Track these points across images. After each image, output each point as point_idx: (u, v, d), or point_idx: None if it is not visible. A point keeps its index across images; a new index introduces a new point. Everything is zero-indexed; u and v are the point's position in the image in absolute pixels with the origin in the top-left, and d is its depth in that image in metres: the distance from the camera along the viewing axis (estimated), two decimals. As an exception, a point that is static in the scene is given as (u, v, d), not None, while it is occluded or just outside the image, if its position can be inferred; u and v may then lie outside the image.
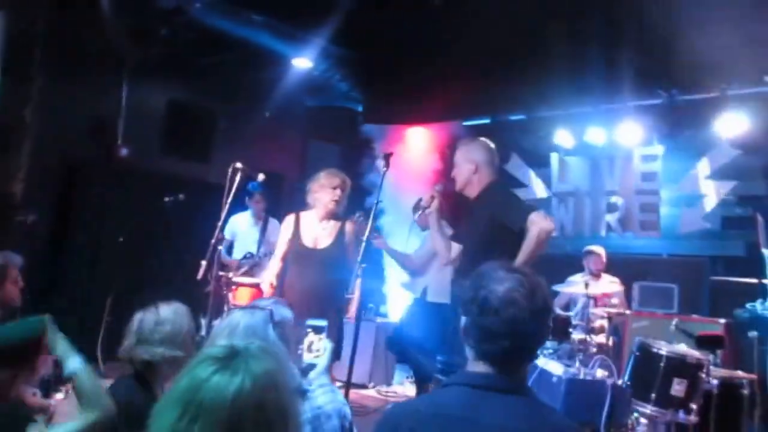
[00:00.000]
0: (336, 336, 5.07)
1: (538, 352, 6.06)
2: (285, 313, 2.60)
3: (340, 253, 5.26)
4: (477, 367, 1.99)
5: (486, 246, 4.27)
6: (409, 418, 1.95)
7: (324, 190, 5.33)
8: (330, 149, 10.40)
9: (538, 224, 4.21)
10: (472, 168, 4.62)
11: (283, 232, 5.52)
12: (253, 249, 7.06)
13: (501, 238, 4.30)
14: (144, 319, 3.02)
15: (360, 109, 10.33)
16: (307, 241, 5.34)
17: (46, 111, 7.42)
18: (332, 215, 5.37)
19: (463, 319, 2.04)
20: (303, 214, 5.44)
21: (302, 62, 8.92)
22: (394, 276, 8.82)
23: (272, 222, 7.41)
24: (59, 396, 3.62)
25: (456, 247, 4.81)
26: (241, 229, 7.50)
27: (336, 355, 5.13)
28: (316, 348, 2.72)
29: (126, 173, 8.16)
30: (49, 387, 4.85)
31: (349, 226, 5.38)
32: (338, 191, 5.32)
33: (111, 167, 8.20)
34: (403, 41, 8.38)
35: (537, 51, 7.69)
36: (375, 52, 8.89)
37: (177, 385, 1.51)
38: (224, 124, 9.20)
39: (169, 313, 3.04)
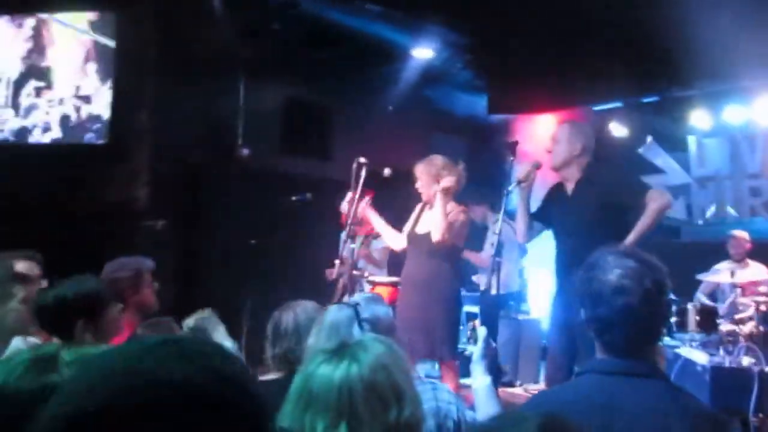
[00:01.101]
0: (446, 330, 5.30)
1: (680, 342, 6.40)
2: (378, 310, 2.67)
3: (438, 241, 5.37)
4: (605, 354, 2.13)
5: (595, 227, 4.57)
6: (548, 405, 2.10)
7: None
8: (455, 141, 10.48)
9: (657, 200, 4.58)
10: (576, 150, 4.92)
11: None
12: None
13: (610, 218, 4.61)
14: (300, 314, 3.16)
15: (484, 98, 10.59)
16: (418, 226, 5.64)
17: (163, 116, 7.80)
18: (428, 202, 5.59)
19: (582, 312, 2.19)
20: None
21: (422, 52, 9.15)
22: (534, 272, 9.19)
23: None
24: None
25: (537, 226, 5.15)
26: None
27: (452, 355, 5.32)
28: (476, 335, 2.83)
29: (248, 174, 8.48)
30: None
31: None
32: (418, 180, 5.57)
33: (233, 169, 8.57)
34: (528, 25, 8.48)
35: (668, 27, 7.68)
36: (498, 38, 9.03)
37: (294, 382, 1.71)
38: (344, 120, 9.51)
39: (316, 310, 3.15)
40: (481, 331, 2.81)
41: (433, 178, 5.48)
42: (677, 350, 5.81)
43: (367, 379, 1.65)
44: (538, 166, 5.06)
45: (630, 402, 1.99)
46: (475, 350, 2.79)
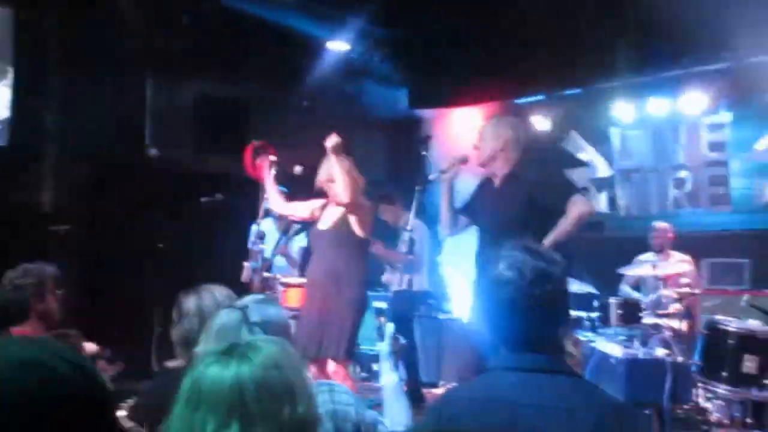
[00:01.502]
0: (343, 329, 5.30)
1: (603, 336, 6.50)
2: (269, 312, 2.60)
3: (340, 234, 5.46)
4: (506, 349, 2.16)
5: (517, 226, 4.62)
6: (450, 405, 2.16)
7: None
8: (374, 136, 10.53)
9: (579, 206, 4.68)
10: (499, 145, 4.97)
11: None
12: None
13: (534, 217, 4.67)
14: (205, 297, 3.11)
15: (404, 92, 10.63)
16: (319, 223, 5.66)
17: (69, 115, 7.69)
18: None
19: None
20: None
21: (339, 45, 9.15)
22: (455, 271, 9.20)
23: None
24: None
25: (463, 220, 5.19)
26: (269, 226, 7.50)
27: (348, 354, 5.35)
28: (384, 331, 2.86)
29: (157, 175, 8.38)
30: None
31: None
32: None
33: (141, 170, 8.45)
34: (448, 17, 8.57)
35: (591, 18, 7.94)
36: (417, 30, 9.11)
37: (181, 388, 1.68)
38: (260, 116, 9.39)
39: (224, 297, 3.11)
40: (388, 328, 2.84)
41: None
42: (593, 344, 5.90)
43: (258, 377, 1.64)
44: (464, 161, 5.11)
45: (534, 398, 2.01)
46: (382, 347, 2.83)
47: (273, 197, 5.85)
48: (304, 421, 1.68)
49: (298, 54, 9.25)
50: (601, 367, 5.57)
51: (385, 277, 7.95)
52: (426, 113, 10.63)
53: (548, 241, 4.52)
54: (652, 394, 5.22)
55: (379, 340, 2.88)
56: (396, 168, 10.33)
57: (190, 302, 3.12)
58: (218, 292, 3.17)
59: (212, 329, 2.51)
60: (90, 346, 5.21)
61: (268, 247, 6.17)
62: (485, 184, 5.18)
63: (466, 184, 5.33)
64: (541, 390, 2.03)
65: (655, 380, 5.15)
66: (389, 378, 2.81)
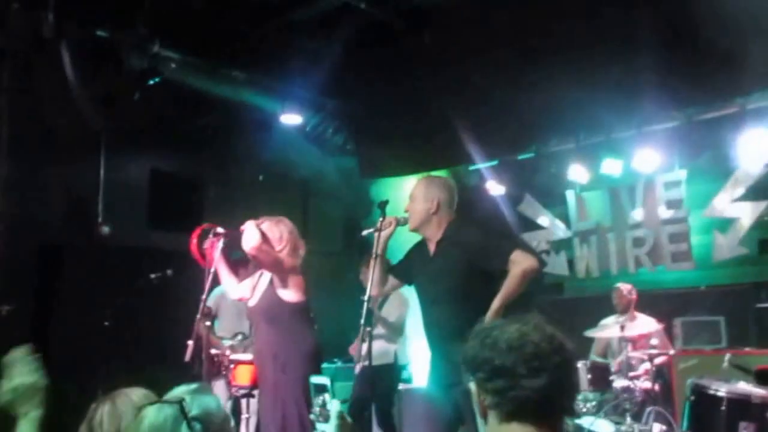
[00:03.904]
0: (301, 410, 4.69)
1: (579, 407, 5.78)
2: (209, 403, 2.23)
3: (270, 306, 5.00)
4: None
5: (459, 294, 4.19)
6: None
7: None
8: (331, 207, 10.23)
9: (521, 264, 4.11)
10: (432, 207, 4.43)
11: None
12: (243, 327, 6.41)
13: (474, 284, 4.19)
14: (119, 406, 2.54)
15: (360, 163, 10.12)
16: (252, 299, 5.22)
17: (17, 193, 7.17)
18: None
19: (476, 378, 1.90)
20: None
21: (291, 118, 8.74)
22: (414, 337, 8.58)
23: None
24: None
25: (393, 282, 4.68)
26: (225, 304, 7.04)
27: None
28: (329, 411, 2.39)
29: (110, 252, 7.89)
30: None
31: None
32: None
33: (93, 247, 7.92)
34: (398, 86, 8.24)
35: (540, 83, 7.51)
36: (368, 100, 8.76)
37: None
38: (213, 192, 8.98)
39: (143, 399, 2.54)
40: (335, 407, 2.37)
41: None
42: (577, 422, 5.09)
43: None
44: (403, 223, 4.51)
45: None
46: (327, 429, 2.37)
47: (226, 281, 5.35)
48: None
49: (250, 128, 8.88)
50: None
51: (351, 348, 7.25)
52: (381, 183, 10.04)
53: (496, 304, 4.03)
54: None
55: (322, 421, 2.39)
56: (352, 234, 9.76)
57: (102, 410, 2.51)
58: (135, 395, 2.57)
59: (140, 429, 2.11)
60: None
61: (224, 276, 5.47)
62: (419, 248, 4.61)
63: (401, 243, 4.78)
64: None
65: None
66: None
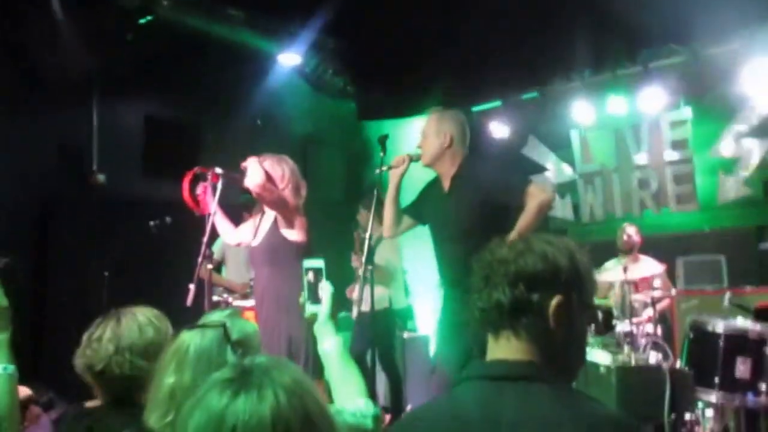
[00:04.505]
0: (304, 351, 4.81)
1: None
2: (247, 327, 2.32)
3: (274, 246, 5.00)
4: (492, 353, 1.85)
5: (475, 230, 4.17)
6: (419, 425, 1.84)
7: None
8: (330, 151, 10.22)
9: (537, 197, 4.17)
10: (445, 142, 4.48)
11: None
12: (251, 274, 6.51)
13: (490, 220, 4.19)
14: (123, 325, 2.65)
15: (359, 104, 10.22)
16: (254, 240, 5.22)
17: (8, 144, 7.22)
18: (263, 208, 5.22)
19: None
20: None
21: (290, 58, 8.72)
22: (421, 287, 8.70)
23: None
24: None
25: (407, 222, 4.73)
26: (231, 252, 7.18)
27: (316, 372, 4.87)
28: (321, 294, 2.46)
29: (106, 202, 7.95)
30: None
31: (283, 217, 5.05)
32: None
33: (88, 198, 8.00)
34: (400, 25, 8.19)
35: (545, 20, 7.58)
36: (369, 40, 8.73)
37: (187, 424, 1.36)
38: (210, 139, 8.99)
39: (151, 318, 2.71)
40: (327, 289, 2.45)
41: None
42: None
43: (301, 410, 1.36)
44: (416, 158, 4.57)
45: (510, 413, 1.69)
46: (321, 310, 2.45)
47: (222, 226, 5.37)
48: None
49: (248, 71, 8.86)
50: (588, 377, 4.94)
51: (348, 291, 7.36)
52: (381, 125, 10.08)
53: (513, 237, 4.00)
54: (648, 406, 4.60)
55: (313, 302, 2.45)
56: (354, 182, 9.96)
57: (105, 326, 2.63)
58: (141, 313, 2.69)
59: (187, 357, 2.13)
60: (22, 391, 4.60)
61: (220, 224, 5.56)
62: (433, 186, 4.68)
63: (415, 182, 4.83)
64: (521, 402, 1.70)
65: (651, 390, 4.52)
66: (334, 341, 2.43)
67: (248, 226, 5.38)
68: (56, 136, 7.85)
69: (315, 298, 2.45)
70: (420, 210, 4.70)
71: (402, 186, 4.62)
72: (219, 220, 5.31)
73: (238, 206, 6.89)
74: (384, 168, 4.56)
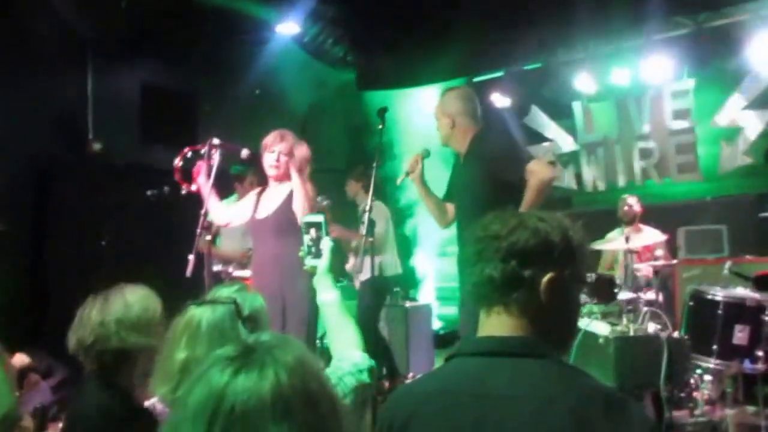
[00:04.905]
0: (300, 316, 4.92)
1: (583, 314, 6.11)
2: (256, 302, 2.42)
3: (286, 218, 5.01)
4: (483, 329, 1.87)
5: (485, 203, 4.14)
6: (408, 401, 1.86)
7: (263, 156, 5.16)
8: (331, 121, 10.24)
9: (537, 174, 4.31)
10: (449, 122, 4.66)
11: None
12: (247, 244, 6.54)
13: (501, 193, 4.31)
14: (111, 301, 2.75)
15: (359, 74, 10.22)
16: (257, 212, 5.25)
17: (2, 111, 7.22)
18: (279, 181, 5.21)
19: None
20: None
21: (289, 27, 8.75)
22: (422, 256, 8.82)
23: None
24: None
25: (452, 207, 4.86)
26: None
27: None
28: (321, 248, 2.50)
29: (102, 170, 7.98)
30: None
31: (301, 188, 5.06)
32: (273, 153, 5.09)
33: (84, 166, 8.04)
34: None
35: None
36: (369, 9, 8.76)
37: (187, 399, 1.37)
38: (208, 107, 9.01)
39: (138, 296, 2.80)
40: (327, 244, 2.49)
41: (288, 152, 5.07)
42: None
43: (302, 391, 1.36)
44: (426, 155, 4.75)
45: (504, 387, 1.71)
46: (320, 263, 2.48)
47: (212, 206, 5.32)
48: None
49: (247, 40, 8.92)
50: (587, 348, 5.07)
51: (348, 266, 7.48)
52: (383, 96, 10.12)
53: None
54: (646, 376, 4.74)
55: (314, 256, 2.49)
56: (355, 152, 9.97)
57: (94, 303, 2.73)
58: (129, 291, 2.79)
59: (199, 331, 2.23)
60: (20, 358, 4.75)
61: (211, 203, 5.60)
62: (455, 162, 4.89)
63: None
64: (512, 377, 1.73)
65: (649, 359, 4.65)
66: (332, 294, 2.45)
67: (246, 203, 5.41)
68: (51, 103, 7.86)
69: (315, 253, 2.50)
70: (452, 191, 4.87)
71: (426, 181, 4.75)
72: (210, 198, 5.27)
73: (231, 177, 6.97)
74: (402, 177, 4.76)
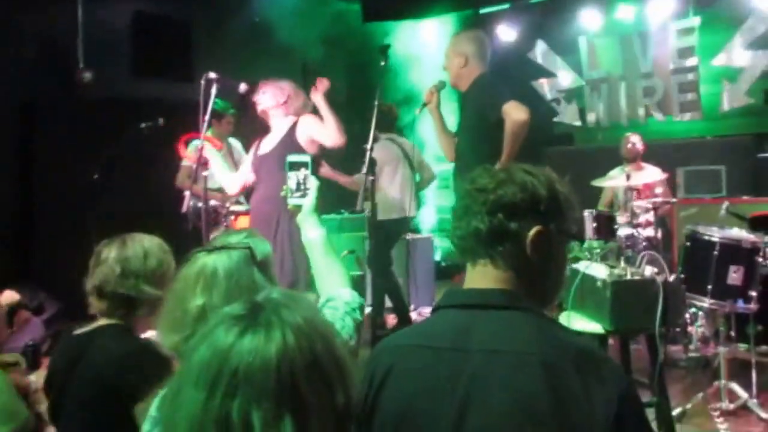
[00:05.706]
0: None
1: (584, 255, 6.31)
2: (265, 248, 2.41)
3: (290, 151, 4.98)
4: (468, 281, 1.93)
5: (476, 143, 4.70)
6: (388, 354, 1.90)
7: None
8: (332, 54, 10.04)
9: (510, 116, 4.58)
10: (461, 61, 4.95)
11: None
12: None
13: (490, 133, 4.63)
14: (130, 246, 2.86)
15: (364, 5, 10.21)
16: (260, 150, 5.37)
17: None
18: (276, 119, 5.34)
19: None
20: None
21: None
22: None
23: (235, 144, 7.32)
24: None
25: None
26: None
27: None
28: (308, 186, 2.57)
29: (93, 102, 7.95)
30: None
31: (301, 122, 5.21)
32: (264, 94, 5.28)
33: (74, 98, 8.04)
34: None
35: None
36: None
37: (191, 358, 1.36)
38: (203, 36, 9.01)
39: (154, 246, 2.91)
40: (313, 183, 2.56)
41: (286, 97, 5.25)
42: (574, 266, 5.63)
43: (308, 352, 1.35)
44: (441, 87, 5.07)
45: (485, 341, 1.76)
46: (306, 202, 2.54)
47: (224, 178, 5.47)
48: (354, 407, 1.42)
49: None
50: (584, 291, 5.28)
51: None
52: (386, 28, 10.22)
53: (501, 164, 4.38)
54: (641, 320, 4.96)
55: (298, 195, 2.56)
56: (355, 86, 9.97)
57: (111, 249, 2.85)
58: (147, 240, 2.92)
59: (216, 278, 2.21)
60: (9, 295, 4.88)
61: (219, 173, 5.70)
62: (458, 102, 5.31)
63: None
64: (493, 331, 1.79)
65: (645, 303, 4.87)
66: (318, 232, 2.52)
67: (244, 168, 5.51)
68: (39, 32, 7.87)
69: (303, 192, 2.57)
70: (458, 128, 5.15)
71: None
72: (219, 171, 5.42)
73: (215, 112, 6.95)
74: (420, 109, 5.06)
